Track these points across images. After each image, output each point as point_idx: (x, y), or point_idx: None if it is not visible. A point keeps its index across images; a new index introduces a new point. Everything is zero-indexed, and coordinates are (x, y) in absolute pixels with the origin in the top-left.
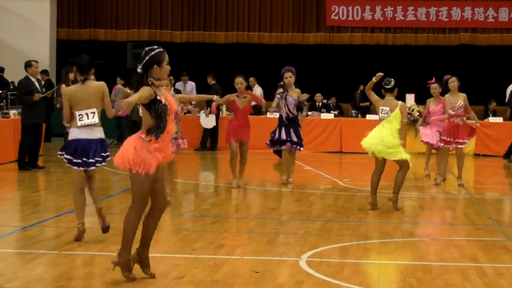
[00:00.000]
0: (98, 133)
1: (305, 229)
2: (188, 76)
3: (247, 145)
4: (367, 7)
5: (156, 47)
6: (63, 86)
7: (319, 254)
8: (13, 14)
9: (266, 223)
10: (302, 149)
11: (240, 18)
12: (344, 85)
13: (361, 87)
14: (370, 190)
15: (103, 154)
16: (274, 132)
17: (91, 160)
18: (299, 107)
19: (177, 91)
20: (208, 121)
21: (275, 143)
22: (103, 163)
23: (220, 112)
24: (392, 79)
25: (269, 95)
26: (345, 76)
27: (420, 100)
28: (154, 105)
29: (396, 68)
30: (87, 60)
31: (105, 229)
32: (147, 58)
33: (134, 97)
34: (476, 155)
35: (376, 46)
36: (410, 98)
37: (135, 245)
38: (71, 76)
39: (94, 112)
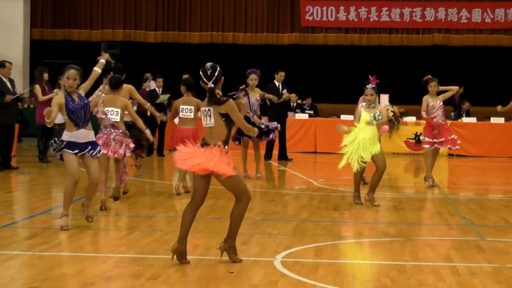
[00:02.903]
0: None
1: (280, 229)
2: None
3: None
4: (342, 8)
5: (213, 63)
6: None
7: (293, 254)
8: None
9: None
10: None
11: (214, 18)
12: (319, 85)
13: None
14: (356, 187)
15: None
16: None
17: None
18: (265, 102)
19: (166, 92)
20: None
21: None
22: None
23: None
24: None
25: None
26: (319, 77)
27: (395, 100)
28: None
29: (370, 68)
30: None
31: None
32: (216, 73)
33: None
34: (450, 155)
35: (350, 46)
36: (385, 98)
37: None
38: (45, 76)
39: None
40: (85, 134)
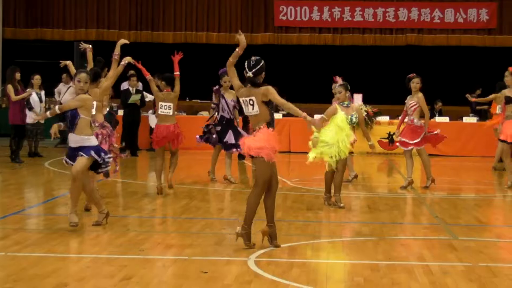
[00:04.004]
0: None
1: (254, 229)
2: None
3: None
4: (315, 8)
5: (259, 57)
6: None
7: (267, 254)
8: None
9: (214, 223)
10: (239, 150)
11: (188, 18)
12: (293, 85)
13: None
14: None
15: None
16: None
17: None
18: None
19: (139, 92)
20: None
21: (205, 137)
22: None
23: None
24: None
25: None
26: (293, 76)
27: (368, 100)
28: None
29: (343, 68)
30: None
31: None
32: (258, 66)
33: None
34: None
35: (323, 46)
36: (358, 98)
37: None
38: (17, 76)
39: None
40: (73, 139)
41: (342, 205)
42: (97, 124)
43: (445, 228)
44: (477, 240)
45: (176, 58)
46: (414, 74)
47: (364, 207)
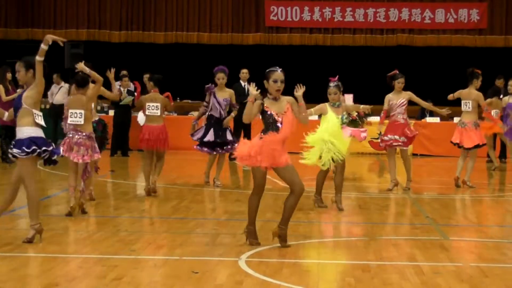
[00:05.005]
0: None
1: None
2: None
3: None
4: (306, 8)
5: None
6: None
7: (258, 254)
8: None
9: (205, 223)
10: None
11: (179, 18)
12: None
13: None
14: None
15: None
16: (200, 134)
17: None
18: (230, 109)
19: (130, 92)
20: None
21: (204, 144)
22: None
23: None
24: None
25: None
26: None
27: (359, 100)
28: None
29: (334, 68)
30: None
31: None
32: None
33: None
34: (414, 154)
35: (314, 46)
36: (349, 98)
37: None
38: (9, 76)
39: None
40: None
41: (341, 206)
42: (84, 134)
43: (436, 228)
44: (468, 240)
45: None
46: (398, 72)
47: (355, 207)
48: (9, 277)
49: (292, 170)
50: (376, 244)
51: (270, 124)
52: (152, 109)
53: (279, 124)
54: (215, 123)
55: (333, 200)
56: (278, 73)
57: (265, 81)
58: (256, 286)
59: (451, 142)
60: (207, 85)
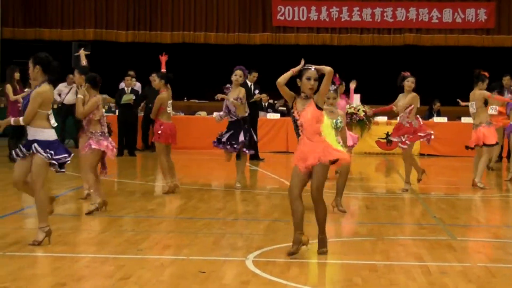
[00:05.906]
0: None
1: (252, 229)
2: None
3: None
4: (313, 8)
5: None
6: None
7: (265, 254)
8: None
9: (212, 223)
10: (247, 152)
11: (186, 18)
12: (290, 85)
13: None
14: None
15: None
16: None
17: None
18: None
19: (134, 91)
20: None
21: (220, 142)
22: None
23: None
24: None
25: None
26: (291, 77)
27: (366, 100)
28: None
29: (341, 68)
30: None
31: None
32: None
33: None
34: (421, 154)
35: (321, 46)
36: (356, 98)
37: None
38: (16, 75)
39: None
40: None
41: (341, 208)
42: (99, 132)
43: (443, 228)
44: (475, 241)
45: (163, 58)
46: (409, 73)
47: (362, 207)
48: (17, 276)
49: (316, 172)
50: (383, 244)
51: (295, 128)
52: (170, 108)
53: (300, 127)
54: (234, 125)
55: (333, 205)
56: (311, 71)
57: (297, 80)
58: (263, 286)
59: (467, 147)
60: (225, 86)
